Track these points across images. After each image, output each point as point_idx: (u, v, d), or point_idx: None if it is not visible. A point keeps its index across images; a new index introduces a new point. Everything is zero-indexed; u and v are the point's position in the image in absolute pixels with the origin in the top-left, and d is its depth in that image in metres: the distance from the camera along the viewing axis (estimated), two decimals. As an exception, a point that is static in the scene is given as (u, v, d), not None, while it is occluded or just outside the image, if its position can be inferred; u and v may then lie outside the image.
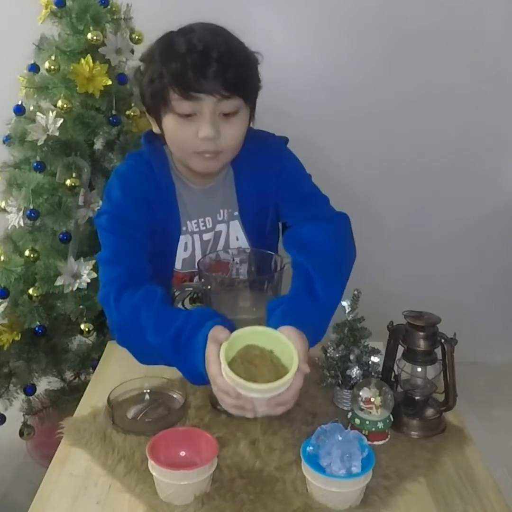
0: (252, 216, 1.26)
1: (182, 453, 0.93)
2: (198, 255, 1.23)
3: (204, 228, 1.23)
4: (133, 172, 1.21)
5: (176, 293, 1.18)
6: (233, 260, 1.18)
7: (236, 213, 1.25)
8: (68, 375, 1.89)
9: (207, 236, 1.24)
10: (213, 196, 1.24)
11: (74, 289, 1.69)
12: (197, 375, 0.98)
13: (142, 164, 1.21)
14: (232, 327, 0.96)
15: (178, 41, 1.05)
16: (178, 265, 1.24)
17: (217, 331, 0.94)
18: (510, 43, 2.34)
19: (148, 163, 1.20)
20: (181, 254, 1.23)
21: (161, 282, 1.12)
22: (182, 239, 1.22)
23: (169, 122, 1.09)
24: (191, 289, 1.12)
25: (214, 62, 1.02)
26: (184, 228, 1.22)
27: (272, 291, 1.05)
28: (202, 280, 1.06)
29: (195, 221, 1.23)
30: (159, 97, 1.07)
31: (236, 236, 1.26)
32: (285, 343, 0.92)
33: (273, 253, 1.13)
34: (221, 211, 1.25)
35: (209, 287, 1.05)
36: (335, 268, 1.13)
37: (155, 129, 1.16)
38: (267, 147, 1.23)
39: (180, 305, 1.20)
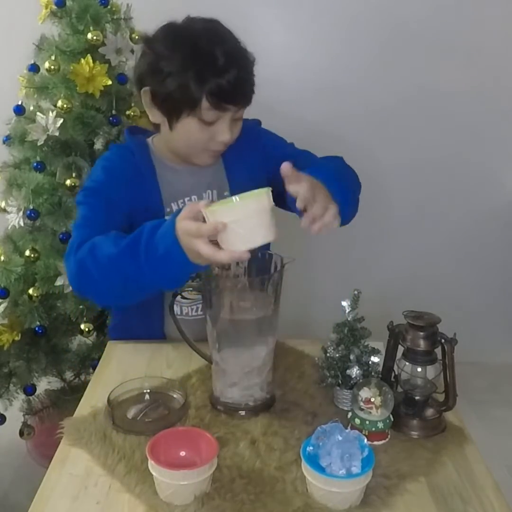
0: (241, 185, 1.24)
1: (182, 453, 0.93)
2: None
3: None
4: (115, 155, 1.28)
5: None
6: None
7: (227, 193, 1.29)
8: (68, 375, 1.89)
9: None
10: (198, 176, 1.27)
11: (74, 289, 1.69)
12: (171, 256, 0.92)
13: (124, 149, 1.27)
14: None
15: (205, 53, 1.09)
16: None
17: (185, 212, 0.91)
18: (509, 41, 2.34)
19: (129, 149, 1.26)
20: None
21: None
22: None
23: (191, 125, 1.15)
24: (191, 289, 1.12)
25: (240, 77, 1.11)
26: (168, 210, 1.24)
27: (272, 291, 1.05)
28: (202, 280, 1.06)
29: (181, 200, 1.25)
30: (186, 104, 1.12)
31: None
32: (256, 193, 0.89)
33: (273, 253, 1.13)
34: (209, 191, 1.28)
35: (209, 287, 1.05)
36: (344, 173, 1.24)
37: (153, 119, 1.20)
38: (245, 128, 1.25)
39: (179, 297, 1.19)
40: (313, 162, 1.23)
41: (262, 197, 0.88)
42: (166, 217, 1.09)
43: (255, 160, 1.30)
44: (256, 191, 0.89)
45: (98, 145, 1.88)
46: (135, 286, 1.02)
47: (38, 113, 1.70)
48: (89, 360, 1.87)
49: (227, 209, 0.87)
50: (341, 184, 1.11)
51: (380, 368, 1.10)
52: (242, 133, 1.25)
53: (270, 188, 0.90)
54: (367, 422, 1.00)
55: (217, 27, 1.15)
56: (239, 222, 0.87)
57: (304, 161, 1.17)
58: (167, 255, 0.94)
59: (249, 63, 1.16)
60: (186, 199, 1.26)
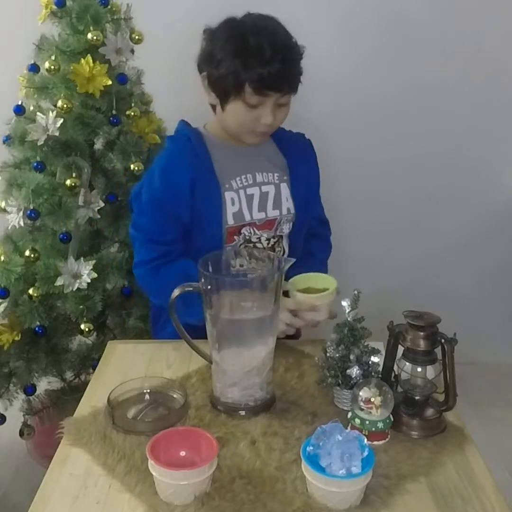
0: (301, 186, 1.46)
1: (182, 453, 0.93)
2: (244, 208, 1.39)
3: (246, 183, 1.40)
4: (171, 154, 1.41)
5: (228, 249, 1.36)
6: (281, 218, 1.43)
7: (286, 177, 1.45)
8: (68, 375, 1.89)
9: (250, 191, 1.40)
10: (251, 156, 1.41)
11: (74, 289, 1.69)
12: None
13: (180, 137, 1.42)
14: None
15: (251, 42, 1.22)
16: (229, 220, 1.37)
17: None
18: (509, 40, 2.34)
19: (185, 136, 1.40)
20: (230, 209, 1.37)
21: (211, 239, 1.35)
22: (228, 195, 1.37)
23: (237, 107, 1.29)
24: (191, 288, 1.12)
25: (281, 65, 1.23)
26: (227, 186, 1.37)
27: (272, 291, 1.05)
28: (202, 280, 1.06)
29: (239, 178, 1.39)
30: (233, 88, 1.26)
31: (285, 197, 1.44)
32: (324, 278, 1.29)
33: (273, 253, 1.14)
34: (268, 174, 1.43)
35: (209, 287, 1.05)
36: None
37: (210, 101, 1.35)
38: (304, 140, 1.52)
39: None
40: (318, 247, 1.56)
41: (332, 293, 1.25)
42: (227, 193, 1.36)
43: (310, 159, 1.51)
44: (332, 290, 1.25)
45: (98, 145, 1.88)
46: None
47: (38, 113, 1.69)
48: (89, 360, 1.87)
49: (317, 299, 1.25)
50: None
51: (380, 368, 1.10)
52: (299, 139, 1.50)
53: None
54: (367, 422, 1.00)
55: (267, 22, 1.28)
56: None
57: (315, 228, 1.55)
58: None
59: (294, 57, 1.28)
60: (242, 177, 1.39)
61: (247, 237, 1.40)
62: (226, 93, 1.28)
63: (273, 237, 1.44)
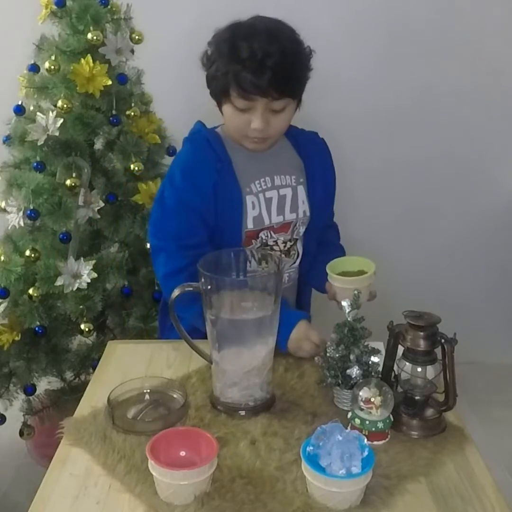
0: (318, 187, 1.44)
1: (182, 453, 0.93)
2: (264, 212, 1.37)
3: (265, 187, 1.37)
4: (192, 155, 1.37)
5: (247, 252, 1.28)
6: (297, 221, 1.42)
7: (302, 179, 1.42)
8: (68, 375, 1.89)
9: (268, 194, 1.38)
10: (270, 158, 1.38)
11: (74, 289, 1.69)
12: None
13: (200, 140, 1.37)
14: None
15: (241, 46, 1.20)
16: (249, 224, 1.35)
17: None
18: (509, 40, 2.33)
19: (205, 138, 1.37)
20: (251, 213, 1.35)
21: (229, 244, 1.31)
22: (249, 198, 1.35)
23: (228, 110, 1.28)
24: (191, 288, 1.12)
25: (269, 70, 1.19)
26: (247, 189, 1.35)
27: (272, 291, 1.05)
28: (202, 280, 1.06)
29: (258, 181, 1.37)
30: (222, 91, 1.25)
31: (302, 200, 1.42)
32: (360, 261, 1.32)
33: (273, 253, 1.14)
34: (285, 176, 1.40)
35: (209, 287, 1.05)
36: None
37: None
38: (321, 143, 1.50)
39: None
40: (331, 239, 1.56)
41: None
42: (248, 196, 1.34)
43: (327, 163, 1.48)
44: (370, 273, 1.27)
45: (98, 145, 1.88)
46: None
47: (38, 113, 1.69)
48: (89, 360, 1.87)
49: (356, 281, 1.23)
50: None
51: (380, 368, 1.10)
52: (317, 142, 1.48)
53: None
54: (367, 422, 1.00)
55: (271, 26, 1.24)
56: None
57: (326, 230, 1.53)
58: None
59: (291, 62, 1.22)
60: (261, 180, 1.37)
61: (264, 241, 1.39)
62: (216, 95, 1.29)
63: (289, 240, 1.43)
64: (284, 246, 1.42)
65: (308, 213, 1.43)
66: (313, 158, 1.44)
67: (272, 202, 1.38)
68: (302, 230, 1.44)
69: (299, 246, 1.46)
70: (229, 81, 1.22)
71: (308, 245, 1.47)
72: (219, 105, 1.30)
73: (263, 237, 1.39)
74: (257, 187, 1.36)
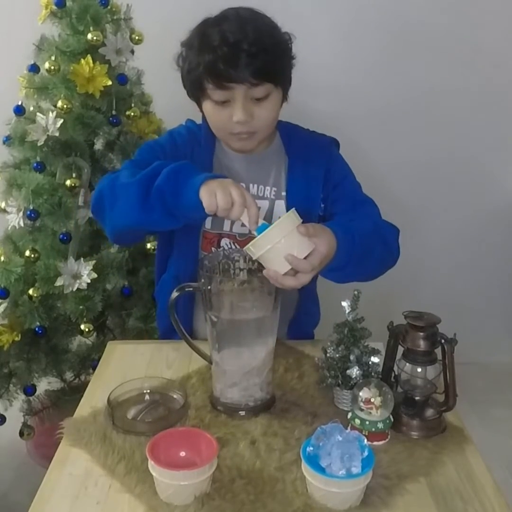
0: (299, 203, 1.20)
1: (182, 453, 0.93)
2: None
3: None
4: (184, 128, 1.33)
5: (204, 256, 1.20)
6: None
7: (283, 193, 1.30)
8: (68, 375, 1.89)
9: None
10: (253, 165, 1.30)
11: (74, 289, 1.69)
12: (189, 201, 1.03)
13: (195, 125, 1.33)
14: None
15: (211, 32, 1.14)
16: (207, 224, 1.28)
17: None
18: (509, 40, 2.34)
19: (199, 126, 1.31)
20: None
21: (189, 243, 1.26)
22: None
23: (207, 107, 1.20)
24: (191, 289, 1.12)
25: (243, 54, 1.10)
26: None
27: (272, 291, 1.05)
28: (202, 280, 1.06)
29: None
30: (197, 86, 1.18)
31: (278, 216, 1.22)
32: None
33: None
34: (265, 187, 1.29)
35: (209, 287, 1.05)
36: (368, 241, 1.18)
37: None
38: (318, 142, 1.33)
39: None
40: (350, 216, 1.24)
41: (291, 218, 0.99)
42: None
43: (315, 175, 1.30)
44: (285, 215, 0.99)
45: (98, 145, 1.88)
46: (137, 216, 1.10)
47: (38, 114, 1.69)
48: (89, 360, 1.87)
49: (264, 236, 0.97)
50: (354, 249, 1.10)
51: (380, 369, 1.10)
52: (314, 145, 1.32)
53: (294, 209, 1.00)
54: (367, 423, 1.00)
55: (242, 13, 1.17)
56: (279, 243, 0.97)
57: (345, 207, 1.28)
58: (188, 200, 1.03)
59: (267, 44, 1.13)
60: None
61: (226, 253, 1.15)
62: (193, 94, 1.21)
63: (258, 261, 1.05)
64: (252, 264, 1.11)
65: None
66: (298, 170, 1.29)
67: None
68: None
69: None
70: (202, 73, 1.14)
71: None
72: (199, 105, 1.23)
73: (226, 246, 1.27)
74: None
